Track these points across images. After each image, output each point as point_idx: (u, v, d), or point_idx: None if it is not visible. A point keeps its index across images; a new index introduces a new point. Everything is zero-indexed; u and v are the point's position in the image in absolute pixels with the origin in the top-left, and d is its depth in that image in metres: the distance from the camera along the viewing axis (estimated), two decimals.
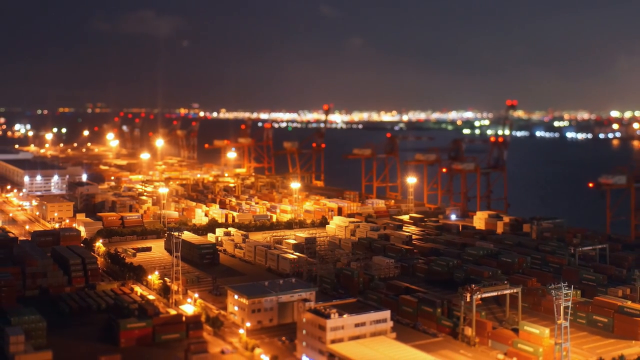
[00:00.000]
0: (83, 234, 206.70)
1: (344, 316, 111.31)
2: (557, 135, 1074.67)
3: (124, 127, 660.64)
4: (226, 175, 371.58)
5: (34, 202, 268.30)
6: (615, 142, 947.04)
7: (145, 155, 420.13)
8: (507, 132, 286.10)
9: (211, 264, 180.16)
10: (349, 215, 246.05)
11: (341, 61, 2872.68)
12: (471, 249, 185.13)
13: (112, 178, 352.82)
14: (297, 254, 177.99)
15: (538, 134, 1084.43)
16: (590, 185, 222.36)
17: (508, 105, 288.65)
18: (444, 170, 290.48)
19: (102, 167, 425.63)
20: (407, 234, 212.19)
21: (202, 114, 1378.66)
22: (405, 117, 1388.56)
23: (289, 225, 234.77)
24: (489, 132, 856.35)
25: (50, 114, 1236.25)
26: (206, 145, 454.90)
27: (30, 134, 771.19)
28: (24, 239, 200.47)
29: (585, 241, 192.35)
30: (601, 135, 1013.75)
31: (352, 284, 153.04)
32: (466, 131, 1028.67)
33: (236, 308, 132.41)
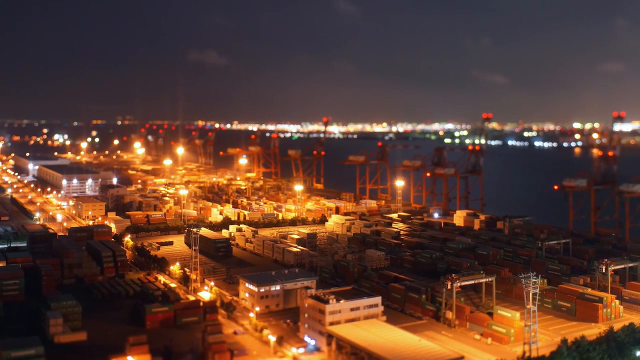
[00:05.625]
0: (113, 230, 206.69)
1: (341, 301, 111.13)
2: (526, 144, 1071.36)
3: (149, 137, 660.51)
4: (238, 179, 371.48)
5: (71, 202, 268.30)
6: (577, 150, 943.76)
7: (167, 162, 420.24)
8: (483, 141, 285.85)
9: (225, 256, 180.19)
10: (345, 214, 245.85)
11: (338, 80, 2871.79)
12: (452, 243, 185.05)
13: (139, 181, 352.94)
14: (300, 247, 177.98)
15: (510, 143, 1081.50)
16: (556, 187, 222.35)
17: (484, 117, 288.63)
18: (428, 174, 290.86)
19: (130, 171, 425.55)
20: (396, 230, 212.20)
21: (217, 125, 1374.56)
22: (394, 128, 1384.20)
23: (293, 222, 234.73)
24: (467, 141, 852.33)
25: (85, 125, 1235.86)
26: (221, 153, 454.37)
27: (68, 142, 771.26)
28: (62, 234, 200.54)
29: (551, 236, 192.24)
30: (565, 144, 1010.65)
31: (348, 273, 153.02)
32: (447, 140, 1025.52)
33: (247, 294, 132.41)
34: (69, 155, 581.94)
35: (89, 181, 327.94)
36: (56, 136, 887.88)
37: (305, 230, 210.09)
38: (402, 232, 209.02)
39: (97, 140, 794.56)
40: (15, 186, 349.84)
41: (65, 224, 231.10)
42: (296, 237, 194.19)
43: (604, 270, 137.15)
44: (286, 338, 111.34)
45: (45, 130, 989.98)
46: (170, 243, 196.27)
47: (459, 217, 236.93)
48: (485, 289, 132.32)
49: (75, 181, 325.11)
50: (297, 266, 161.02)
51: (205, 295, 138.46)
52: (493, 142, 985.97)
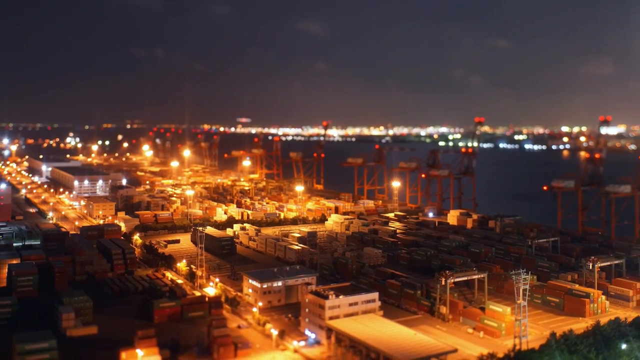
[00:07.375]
0: (123, 228, 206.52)
1: (340, 297, 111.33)
2: (517, 146, 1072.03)
3: (157, 140, 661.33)
4: (242, 180, 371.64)
5: (82, 202, 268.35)
6: (565, 152, 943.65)
7: (174, 163, 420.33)
8: (475, 144, 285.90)
9: (229, 253, 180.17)
10: (344, 213, 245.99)
11: (338, 85, 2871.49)
12: (445, 241, 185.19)
13: (147, 182, 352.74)
14: (301, 245, 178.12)
15: (501, 145, 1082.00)
16: (545, 188, 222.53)
17: (476, 121, 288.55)
18: (423, 175, 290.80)
19: (138, 173, 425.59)
20: (392, 228, 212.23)
21: (222, 129, 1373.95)
22: (390, 132, 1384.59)
23: (294, 221, 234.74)
24: (460, 144, 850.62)
25: (95, 129, 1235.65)
26: (225, 155, 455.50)
27: (79, 145, 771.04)
28: (74, 233, 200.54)
29: (540, 235, 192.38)
30: (554, 147, 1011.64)
31: (347, 270, 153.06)
32: (441, 143, 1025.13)
33: (250, 290, 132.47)
34: (81, 157, 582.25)
35: (100, 182, 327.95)
36: (68, 139, 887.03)
37: (305, 229, 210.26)
38: (398, 231, 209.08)
39: (107, 143, 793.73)
40: (29, 187, 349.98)
41: (77, 223, 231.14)
42: (297, 235, 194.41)
43: (590, 267, 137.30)
44: (288, 332, 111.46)
45: (70, 134, 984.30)
46: (177, 241, 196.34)
47: (452, 217, 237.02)
48: (477, 285, 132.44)
49: (86, 182, 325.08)
50: (298, 263, 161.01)
51: (211, 291, 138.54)
52: (485, 145, 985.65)
